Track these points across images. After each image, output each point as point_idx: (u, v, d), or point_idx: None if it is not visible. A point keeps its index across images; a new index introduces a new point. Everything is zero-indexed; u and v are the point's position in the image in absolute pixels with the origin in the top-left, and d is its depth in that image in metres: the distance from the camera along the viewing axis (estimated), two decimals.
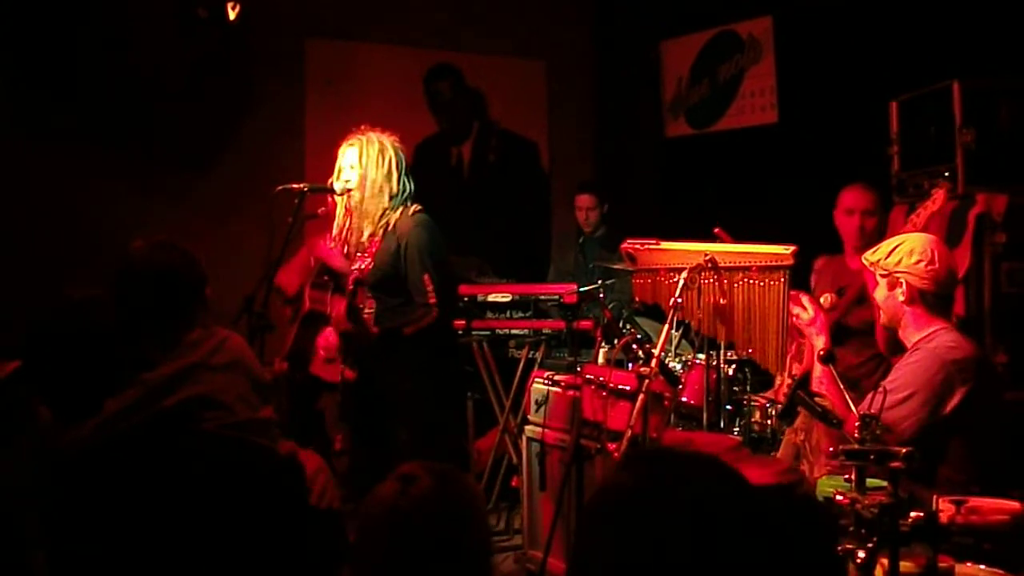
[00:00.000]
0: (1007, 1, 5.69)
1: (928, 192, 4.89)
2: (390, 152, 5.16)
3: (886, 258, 4.09)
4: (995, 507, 3.40)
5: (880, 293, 4.16)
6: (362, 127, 5.22)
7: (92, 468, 3.11)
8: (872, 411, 3.29)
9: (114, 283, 3.40)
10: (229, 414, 3.26)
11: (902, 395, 3.89)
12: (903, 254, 4.06)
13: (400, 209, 5.18)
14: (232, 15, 6.49)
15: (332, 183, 5.18)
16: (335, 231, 5.26)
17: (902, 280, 4.06)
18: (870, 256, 4.17)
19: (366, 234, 5.15)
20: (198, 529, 3.07)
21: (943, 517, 3.27)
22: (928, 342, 4.04)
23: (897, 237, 4.22)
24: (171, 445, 3.17)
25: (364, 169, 5.12)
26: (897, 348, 4.60)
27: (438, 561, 2.36)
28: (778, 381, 5.35)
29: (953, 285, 4.17)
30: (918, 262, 4.02)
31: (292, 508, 3.26)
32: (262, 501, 3.17)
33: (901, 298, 4.07)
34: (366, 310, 5.20)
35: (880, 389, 3.65)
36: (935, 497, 3.37)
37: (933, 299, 4.07)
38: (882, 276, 4.13)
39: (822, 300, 5.28)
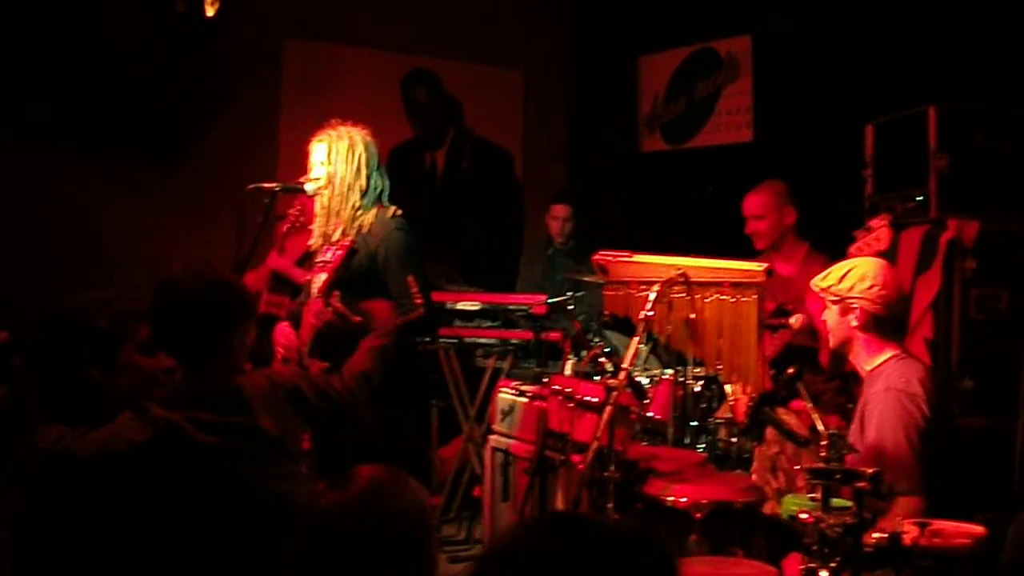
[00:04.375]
0: (984, 29, 5.72)
1: (868, 228, 4.89)
2: (360, 148, 5.09)
3: (838, 283, 4.10)
4: (959, 531, 3.41)
5: (831, 317, 4.17)
6: (332, 121, 5.16)
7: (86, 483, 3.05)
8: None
9: (149, 309, 3.32)
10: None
11: (890, 446, 3.89)
12: (855, 279, 4.07)
13: (375, 210, 5.13)
14: (210, 11, 6.44)
15: (304, 182, 5.13)
16: (315, 232, 5.21)
17: (855, 306, 4.06)
18: (820, 282, 4.18)
19: (337, 234, 5.09)
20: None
21: (906, 539, 3.27)
22: (878, 376, 4.04)
23: (847, 262, 4.24)
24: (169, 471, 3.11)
25: (333, 166, 5.06)
26: (840, 363, 4.62)
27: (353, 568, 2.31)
28: (732, 398, 5.34)
29: (905, 309, 4.20)
30: (871, 287, 4.04)
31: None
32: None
33: (854, 323, 4.08)
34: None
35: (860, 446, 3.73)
36: (899, 519, 3.37)
37: (887, 323, 4.09)
38: (833, 302, 4.13)
39: (792, 320, 5.29)
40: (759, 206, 5.78)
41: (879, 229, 4.64)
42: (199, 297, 3.26)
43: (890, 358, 4.07)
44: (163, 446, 3.07)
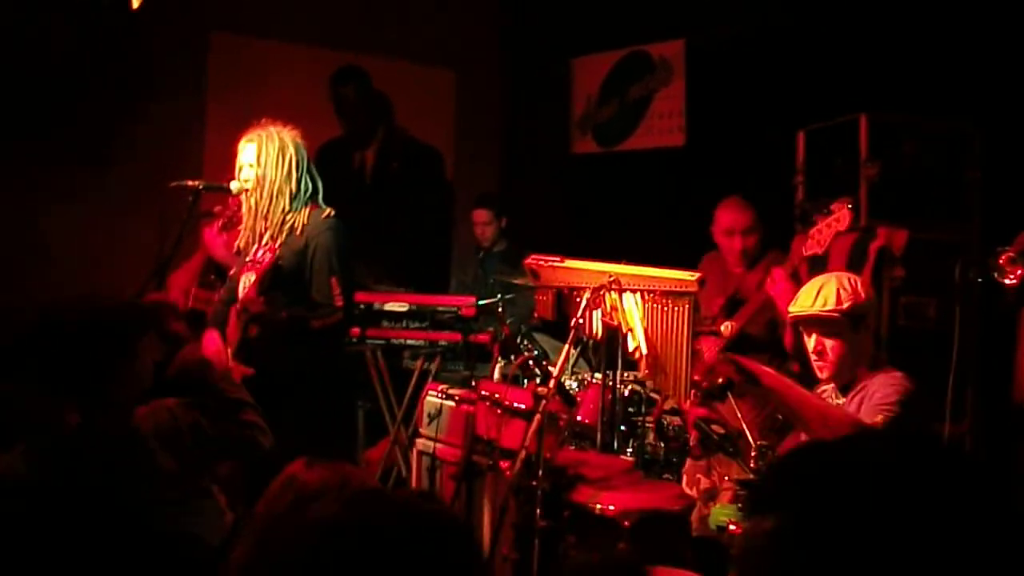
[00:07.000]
0: (916, 41, 5.75)
1: (829, 211, 4.89)
2: (291, 150, 5.02)
3: (855, 300, 3.99)
4: None
5: (841, 343, 4.02)
6: (263, 121, 5.08)
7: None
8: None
9: (33, 336, 3.19)
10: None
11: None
12: (865, 290, 4.02)
13: (307, 210, 5.05)
14: (135, 3, 6.29)
15: (229, 181, 5.05)
16: (243, 234, 5.12)
17: (866, 316, 4.03)
18: (816, 309, 4.02)
19: (267, 236, 5.01)
20: None
21: None
22: (871, 381, 4.01)
23: (826, 280, 4.12)
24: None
25: (263, 168, 4.98)
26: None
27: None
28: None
29: None
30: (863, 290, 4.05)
31: None
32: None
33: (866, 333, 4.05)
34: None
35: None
36: None
37: None
38: (847, 323, 4.01)
39: (722, 329, 5.27)
40: (751, 218, 5.51)
41: (840, 211, 4.62)
42: (74, 336, 3.14)
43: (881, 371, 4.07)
44: (51, 488, 2.96)
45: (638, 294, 4.25)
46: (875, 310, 4.11)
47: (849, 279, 4.07)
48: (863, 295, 4.01)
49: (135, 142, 7.22)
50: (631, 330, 4.30)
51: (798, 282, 4.90)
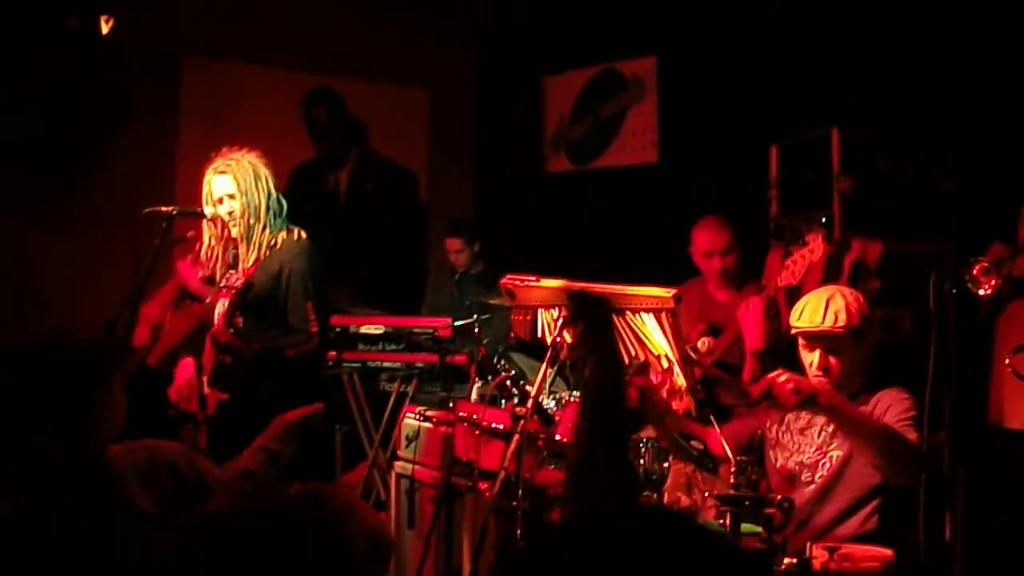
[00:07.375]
0: (887, 53, 5.78)
1: (803, 237, 4.90)
2: (263, 172, 5.02)
3: (860, 314, 3.97)
4: (867, 554, 3.40)
5: (839, 358, 3.99)
6: (223, 149, 5.06)
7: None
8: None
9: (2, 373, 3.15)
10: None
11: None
12: (860, 303, 4.01)
13: (283, 232, 5.05)
14: (105, 28, 6.27)
15: (203, 208, 5.03)
16: (205, 260, 5.11)
17: (867, 331, 4.02)
18: (828, 325, 3.97)
19: (251, 259, 5.00)
20: None
21: (816, 564, 3.26)
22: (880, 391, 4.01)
23: (831, 295, 4.09)
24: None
25: (245, 196, 4.96)
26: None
27: None
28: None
29: None
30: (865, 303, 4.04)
31: None
32: None
33: (864, 351, 4.04)
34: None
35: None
36: (808, 544, 3.36)
37: None
38: (851, 337, 4.00)
39: (699, 344, 5.25)
40: (728, 238, 5.49)
41: (814, 242, 4.62)
42: (45, 373, 3.10)
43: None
44: (24, 526, 2.92)
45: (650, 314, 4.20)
46: (874, 324, 4.08)
47: (852, 293, 4.05)
48: (867, 309, 4.01)
49: (107, 167, 7.20)
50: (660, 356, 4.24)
51: (774, 312, 4.89)
